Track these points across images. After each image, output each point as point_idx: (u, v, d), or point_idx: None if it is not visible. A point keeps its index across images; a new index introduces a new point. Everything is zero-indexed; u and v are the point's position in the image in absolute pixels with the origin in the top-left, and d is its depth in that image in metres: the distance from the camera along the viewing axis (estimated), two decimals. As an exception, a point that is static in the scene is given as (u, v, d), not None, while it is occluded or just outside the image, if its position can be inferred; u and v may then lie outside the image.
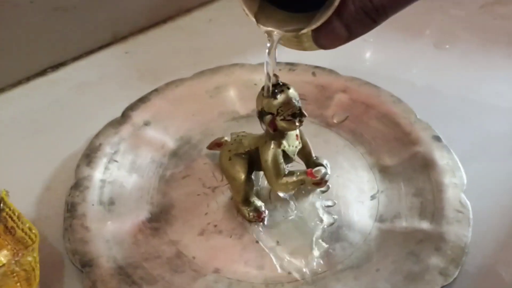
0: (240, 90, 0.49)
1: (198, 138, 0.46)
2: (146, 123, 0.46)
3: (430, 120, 0.45)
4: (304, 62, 0.51)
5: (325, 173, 0.36)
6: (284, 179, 0.36)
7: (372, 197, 0.40)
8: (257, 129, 0.36)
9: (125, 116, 0.46)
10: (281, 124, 0.35)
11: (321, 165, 0.40)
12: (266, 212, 0.39)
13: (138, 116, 0.46)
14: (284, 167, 0.36)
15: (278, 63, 0.51)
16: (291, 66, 0.51)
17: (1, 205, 0.35)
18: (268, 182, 0.37)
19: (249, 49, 0.56)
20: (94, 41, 0.55)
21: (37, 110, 0.50)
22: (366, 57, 0.57)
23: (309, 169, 0.36)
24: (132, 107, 0.47)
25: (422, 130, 0.44)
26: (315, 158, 0.41)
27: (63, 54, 0.53)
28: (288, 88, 0.34)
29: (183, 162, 0.44)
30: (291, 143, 0.37)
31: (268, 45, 0.31)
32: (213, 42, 0.58)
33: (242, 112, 0.48)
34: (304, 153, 0.40)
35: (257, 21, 0.30)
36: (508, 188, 0.41)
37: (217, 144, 0.42)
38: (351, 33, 0.28)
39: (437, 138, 0.43)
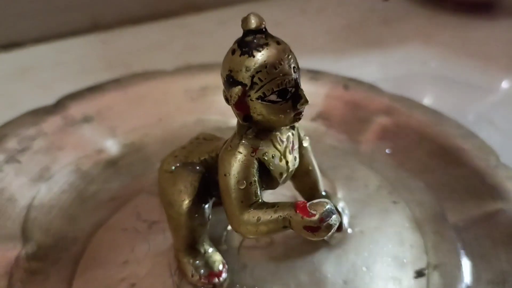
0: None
1: (155, 148, 0.30)
2: (86, 119, 0.31)
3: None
4: (334, 71, 0.36)
5: (330, 212, 0.19)
6: (253, 213, 0.19)
7: (418, 274, 0.22)
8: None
9: (58, 106, 0.31)
10: (257, 107, 0.19)
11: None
12: (225, 275, 0.22)
13: (78, 108, 0.31)
14: (258, 192, 0.20)
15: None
16: (314, 74, 0.36)
17: None
18: (226, 215, 0.21)
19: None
20: (63, 25, 0.43)
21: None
22: (423, 77, 0.41)
23: (301, 202, 0.19)
24: (73, 96, 0.32)
25: (508, 180, 0.27)
26: (324, 194, 0.24)
27: (17, 34, 0.41)
28: (278, 43, 0.19)
29: (120, 177, 0.28)
30: (280, 153, 0.21)
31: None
32: (218, 46, 0.44)
33: (232, 122, 0.33)
34: (306, 182, 0.24)
35: None
36: None
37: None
38: None
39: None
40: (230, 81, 0.19)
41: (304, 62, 0.39)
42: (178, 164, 0.22)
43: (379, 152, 0.30)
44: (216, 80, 0.36)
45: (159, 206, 0.25)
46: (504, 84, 0.42)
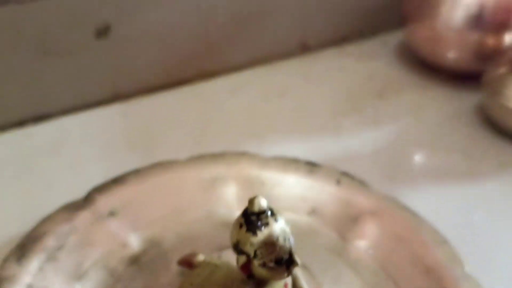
0: (243, 187, 0.38)
1: (171, 243, 0.35)
2: (112, 213, 0.36)
3: (484, 277, 0.32)
4: (332, 162, 0.41)
5: None
6: None
7: None
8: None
9: (88, 200, 0.36)
10: (259, 271, 0.24)
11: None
12: None
13: (105, 202, 0.36)
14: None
15: (294, 161, 0.42)
16: (312, 167, 0.40)
17: None
18: None
19: (270, 134, 0.47)
20: (87, 96, 0.47)
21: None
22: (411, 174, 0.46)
23: None
24: (100, 189, 0.37)
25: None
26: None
27: (46, 106, 0.45)
28: (276, 221, 0.24)
29: (142, 274, 0.33)
30: (276, 296, 0.26)
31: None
32: (229, 117, 0.49)
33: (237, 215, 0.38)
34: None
35: None
36: None
37: (188, 263, 0.32)
38: None
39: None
40: (238, 248, 0.24)
41: (305, 139, 0.44)
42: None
43: (364, 254, 0.35)
44: (225, 170, 0.41)
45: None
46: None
